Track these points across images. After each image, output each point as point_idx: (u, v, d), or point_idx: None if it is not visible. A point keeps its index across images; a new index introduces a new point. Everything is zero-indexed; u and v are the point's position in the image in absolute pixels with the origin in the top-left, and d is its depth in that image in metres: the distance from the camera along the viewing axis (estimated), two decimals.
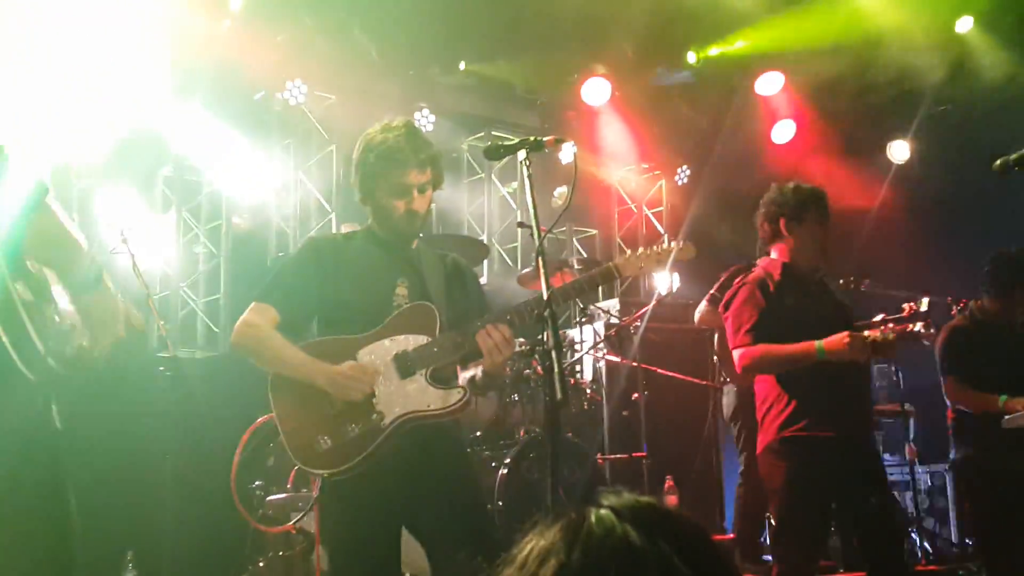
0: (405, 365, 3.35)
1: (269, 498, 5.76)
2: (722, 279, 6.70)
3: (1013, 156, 3.89)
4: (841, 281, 6.17)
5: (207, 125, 7.52)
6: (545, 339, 3.13)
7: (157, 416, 5.41)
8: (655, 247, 3.54)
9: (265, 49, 7.30)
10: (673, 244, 3.57)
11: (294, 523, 4.24)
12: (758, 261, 4.59)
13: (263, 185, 8.01)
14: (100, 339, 2.54)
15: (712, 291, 6.69)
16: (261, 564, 5.71)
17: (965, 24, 7.99)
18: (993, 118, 7.43)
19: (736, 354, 4.28)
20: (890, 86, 8.26)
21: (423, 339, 3.38)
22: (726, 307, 4.41)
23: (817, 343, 4.08)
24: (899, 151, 8.58)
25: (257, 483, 5.83)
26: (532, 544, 1.26)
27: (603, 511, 1.24)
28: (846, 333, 4.06)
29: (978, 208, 7.35)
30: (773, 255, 4.46)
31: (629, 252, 3.54)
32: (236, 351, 3.43)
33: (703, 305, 6.74)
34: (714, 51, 8.24)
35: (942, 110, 8.17)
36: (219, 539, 6.08)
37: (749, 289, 4.33)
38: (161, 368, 5.56)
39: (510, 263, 8.94)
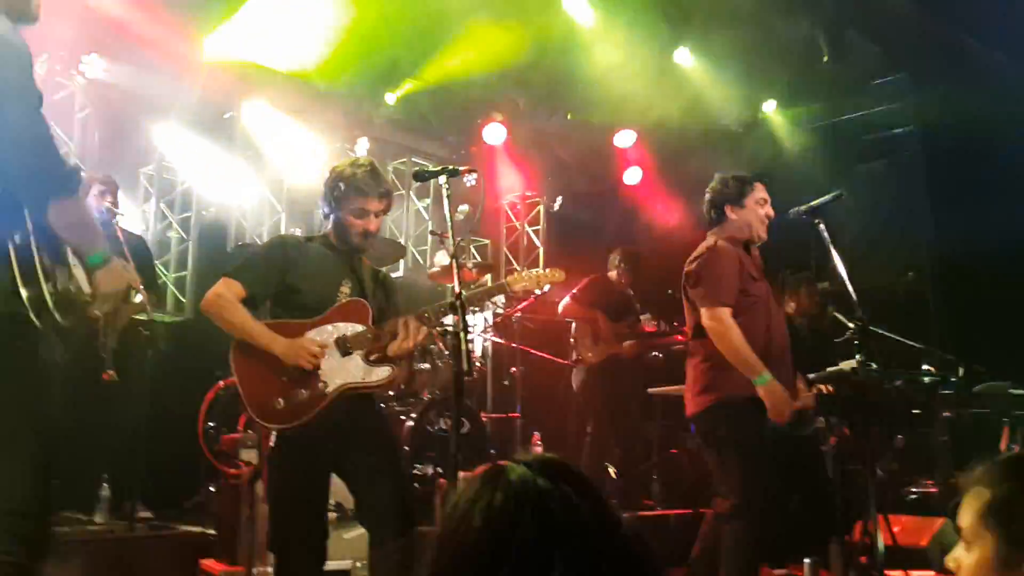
0: (344, 346, 3.39)
1: (223, 437, 5.62)
2: (583, 283, 6.85)
3: (803, 207, 4.06)
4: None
5: (184, 137, 7.27)
6: (455, 322, 3.19)
7: (135, 365, 5.25)
8: (536, 271, 3.65)
9: (230, 77, 7.11)
10: (548, 271, 3.66)
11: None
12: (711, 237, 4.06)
13: (227, 186, 7.79)
14: (102, 303, 2.49)
15: (574, 291, 6.83)
16: (212, 489, 5.58)
17: (770, 105, 8.43)
18: (792, 181, 7.63)
19: (711, 312, 3.83)
20: (713, 148, 8.55)
21: (359, 327, 3.42)
22: (698, 270, 3.94)
23: (767, 376, 3.69)
24: None
25: (211, 424, 5.69)
26: (462, 492, 1.28)
27: (517, 465, 1.27)
28: (791, 403, 3.66)
29: (789, 251, 7.55)
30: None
31: (516, 273, 3.65)
32: (206, 315, 3.36)
33: (567, 300, 6.86)
34: (584, 111, 8.40)
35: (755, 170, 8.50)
36: (179, 467, 5.94)
37: (729, 255, 3.89)
38: (140, 327, 5.40)
39: (421, 261, 8.90)
